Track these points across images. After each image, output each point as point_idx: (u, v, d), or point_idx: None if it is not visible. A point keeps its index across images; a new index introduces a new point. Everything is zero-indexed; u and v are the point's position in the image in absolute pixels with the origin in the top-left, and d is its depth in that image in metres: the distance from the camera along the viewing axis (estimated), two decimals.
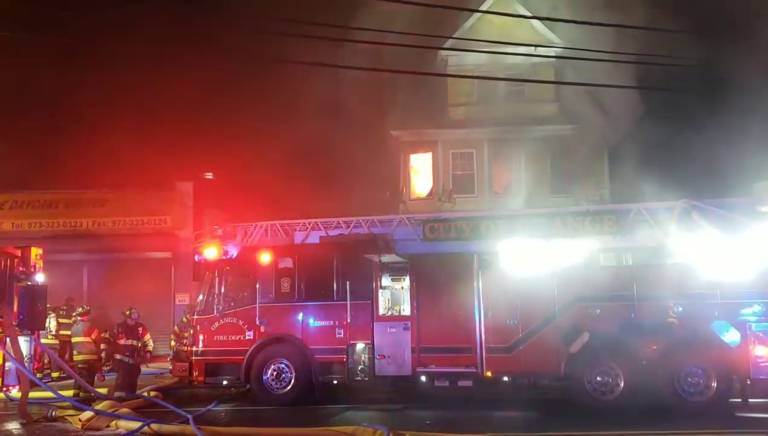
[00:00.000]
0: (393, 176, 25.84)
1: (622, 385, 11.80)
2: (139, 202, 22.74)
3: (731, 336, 11.52)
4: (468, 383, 12.45)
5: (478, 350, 12.36)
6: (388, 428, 9.31)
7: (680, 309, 11.77)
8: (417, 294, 12.86)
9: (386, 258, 13.18)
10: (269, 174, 26.62)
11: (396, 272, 13.43)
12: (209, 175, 23.83)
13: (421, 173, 25.55)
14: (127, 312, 14.17)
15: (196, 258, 14.96)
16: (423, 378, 12.61)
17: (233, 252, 14.22)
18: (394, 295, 13.61)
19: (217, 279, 13.69)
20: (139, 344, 14.04)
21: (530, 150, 23.91)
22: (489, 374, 12.31)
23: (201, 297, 13.93)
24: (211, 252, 13.98)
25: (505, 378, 12.38)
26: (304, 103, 21.79)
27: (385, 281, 13.49)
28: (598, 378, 11.91)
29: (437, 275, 12.84)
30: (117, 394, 13.16)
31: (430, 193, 24.96)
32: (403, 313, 13.19)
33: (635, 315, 11.92)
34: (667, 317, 11.76)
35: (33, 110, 25.98)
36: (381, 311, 13.13)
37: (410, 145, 25.28)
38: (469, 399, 12.69)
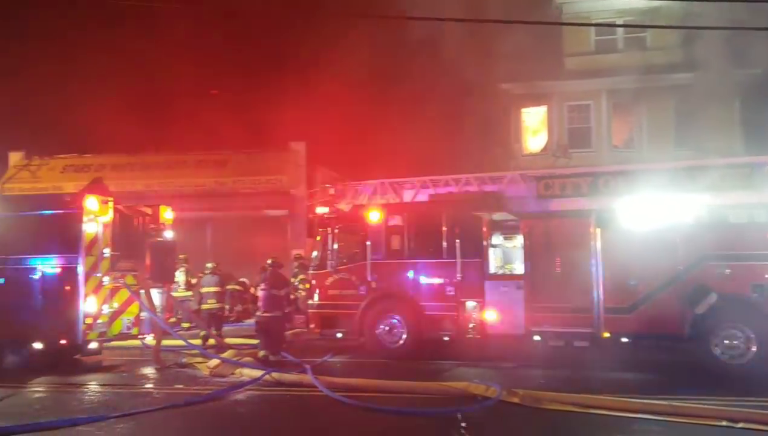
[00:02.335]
0: (503, 132, 25.22)
1: (754, 349, 11.08)
2: (256, 163, 23.62)
3: None
4: (584, 343, 12.15)
5: (596, 310, 11.99)
6: (500, 385, 9.26)
7: None
8: (530, 253, 12.57)
9: (498, 216, 12.98)
10: (378, 133, 26.76)
11: (508, 230, 13.23)
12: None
13: (533, 128, 24.79)
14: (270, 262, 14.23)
15: (310, 216, 15.38)
16: (536, 337, 12.41)
17: (345, 210, 14.49)
18: (506, 253, 13.41)
19: (329, 236, 14.01)
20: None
21: (653, 100, 22.59)
22: (607, 334, 11.93)
23: (315, 253, 14.35)
24: (323, 210, 14.32)
25: (624, 339, 11.95)
26: (410, 60, 21.59)
27: (497, 239, 13.31)
28: (726, 341, 11.24)
29: (552, 234, 12.49)
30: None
31: (544, 149, 24.20)
32: (515, 272, 12.99)
33: None
34: None
35: (158, 77, 27.36)
36: (492, 270, 13.00)
37: (522, 98, 24.52)
38: (584, 360, 12.38)
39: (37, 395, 10.40)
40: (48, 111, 27.20)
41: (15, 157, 25.67)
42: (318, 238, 14.34)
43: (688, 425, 7.77)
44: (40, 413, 8.95)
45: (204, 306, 15.41)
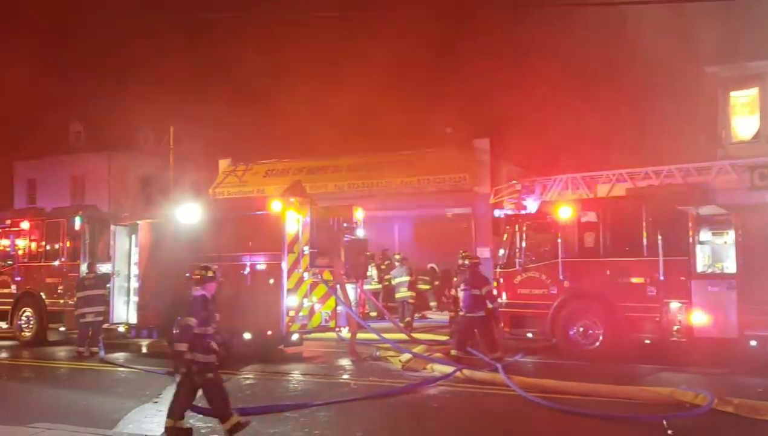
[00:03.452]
0: (709, 118, 23.16)
1: None
2: (440, 162, 23.88)
3: None
4: None
5: None
6: (711, 392, 8.48)
7: None
8: (745, 249, 11.40)
9: (705, 210, 11.92)
10: (568, 125, 25.87)
11: (717, 225, 12.10)
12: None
13: (744, 113, 22.48)
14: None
15: (495, 213, 15.18)
16: (752, 342, 11.21)
17: (533, 207, 14.12)
18: (715, 250, 12.26)
19: (517, 234, 13.74)
20: None
21: None
22: None
23: (502, 251, 14.13)
24: (509, 207, 14.08)
25: None
26: (605, 44, 20.56)
27: (704, 235, 12.22)
28: None
29: None
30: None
31: (756, 135, 21.88)
32: (726, 270, 11.84)
33: None
34: None
35: (343, 87, 28.76)
36: (699, 268, 11.95)
37: (730, 81, 22.39)
38: None
39: (247, 381, 11.33)
40: (252, 120, 29.79)
41: (224, 164, 28.42)
42: (505, 236, 14.12)
43: None
44: (251, 399, 9.73)
45: (397, 296, 16.54)
